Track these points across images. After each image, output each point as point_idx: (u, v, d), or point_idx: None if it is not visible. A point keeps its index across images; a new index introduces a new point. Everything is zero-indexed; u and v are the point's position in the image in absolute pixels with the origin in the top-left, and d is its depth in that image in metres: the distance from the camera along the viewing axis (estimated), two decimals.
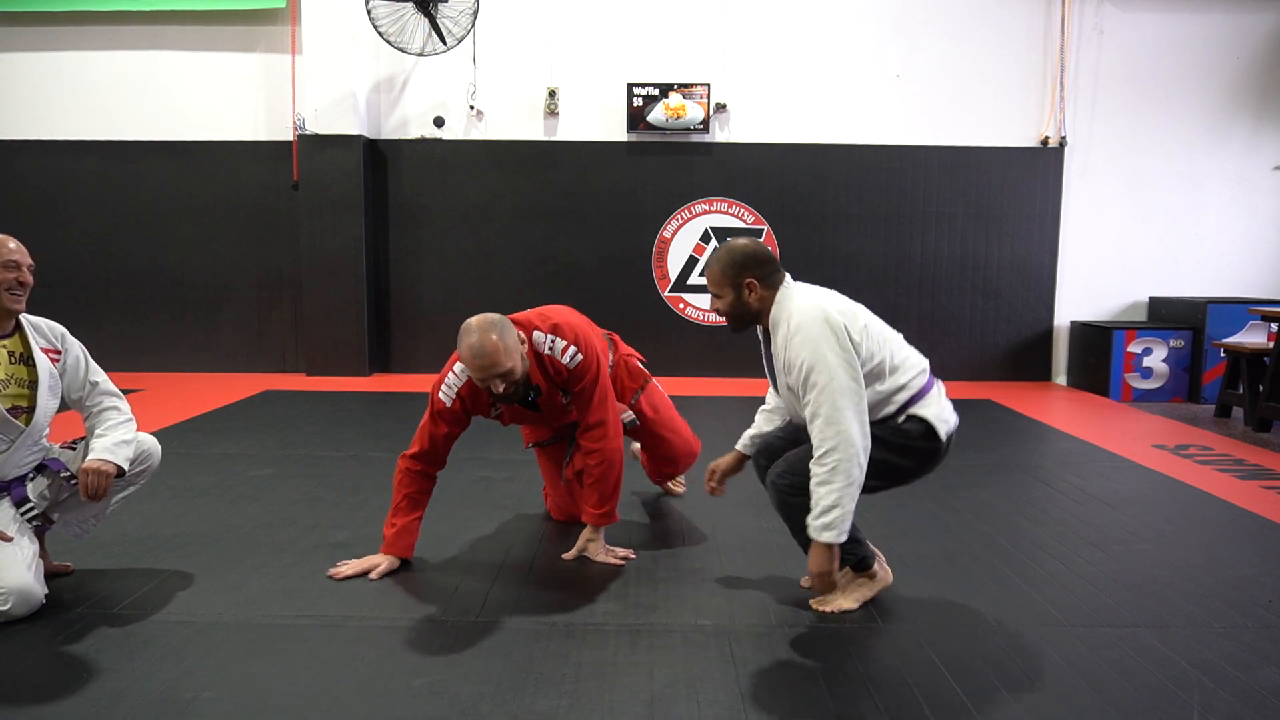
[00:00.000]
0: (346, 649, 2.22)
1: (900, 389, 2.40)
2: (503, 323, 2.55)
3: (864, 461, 2.26)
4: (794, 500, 2.39)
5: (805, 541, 2.36)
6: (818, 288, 2.47)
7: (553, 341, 2.71)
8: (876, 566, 2.55)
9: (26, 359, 2.48)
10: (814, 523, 2.26)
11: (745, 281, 2.41)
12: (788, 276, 2.47)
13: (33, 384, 2.47)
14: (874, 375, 2.35)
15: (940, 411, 2.43)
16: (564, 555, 2.88)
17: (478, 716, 1.92)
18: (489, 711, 1.94)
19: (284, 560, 2.83)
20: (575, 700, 1.99)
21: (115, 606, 2.46)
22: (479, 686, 2.04)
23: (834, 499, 2.24)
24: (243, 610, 2.45)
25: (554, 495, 3.27)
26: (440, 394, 2.72)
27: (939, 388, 2.49)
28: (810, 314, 2.30)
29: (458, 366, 2.69)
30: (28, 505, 2.50)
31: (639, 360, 3.31)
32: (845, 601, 2.49)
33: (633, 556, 2.89)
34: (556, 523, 3.26)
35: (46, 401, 2.48)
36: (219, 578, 2.68)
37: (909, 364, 2.43)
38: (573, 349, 2.72)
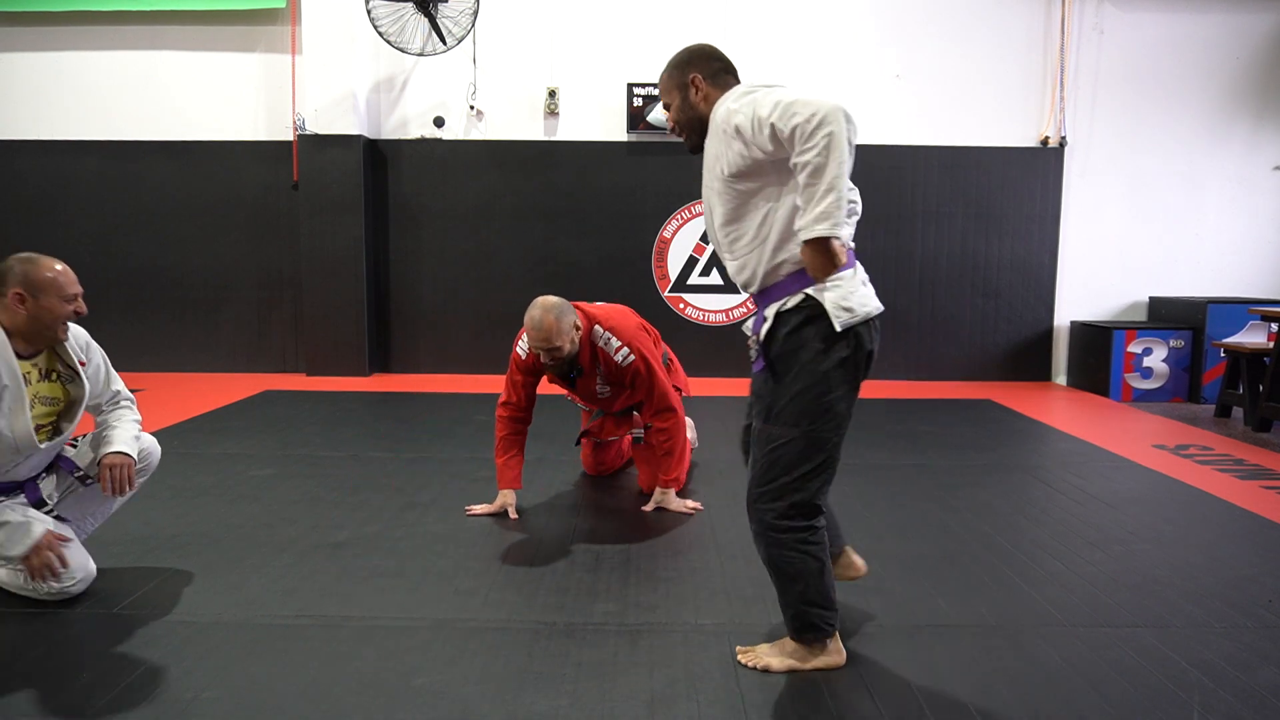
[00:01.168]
0: (346, 649, 2.22)
1: (795, 243, 1.93)
2: (563, 307, 3.09)
3: (855, 136, 1.87)
4: (783, 538, 2.02)
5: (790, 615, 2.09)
6: None
7: (609, 339, 3.23)
8: (830, 643, 2.13)
9: (49, 374, 2.49)
10: (809, 217, 1.82)
11: (690, 78, 2.12)
12: (743, 82, 2.12)
13: (54, 400, 2.49)
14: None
15: (845, 297, 1.95)
16: (644, 508, 3.39)
17: (478, 716, 1.92)
18: (489, 711, 1.94)
19: (284, 560, 2.83)
20: (575, 700, 1.99)
21: (115, 606, 2.46)
22: (479, 686, 2.04)
23: (829, 182, 1.80)
24: (243, 610, 2.45)
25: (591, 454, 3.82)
26: (517, 349, 3.32)
27: (860, 271, 2.09)
28: (757, 91, 1.97)
29: (522, 343, 3.31)
30: (45, 507, 2.53)
31: (679, 389, 3.63)
32: (772, 660, 2.13)
33: (700, 509, 3.39)
34: (555, 523, 3.27)
35: (77, 418, 2.51)
36: (219, 578, 2.68)
37: (854, 213, 2.07)
38: (625, 349, 3.23)
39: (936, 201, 6.72)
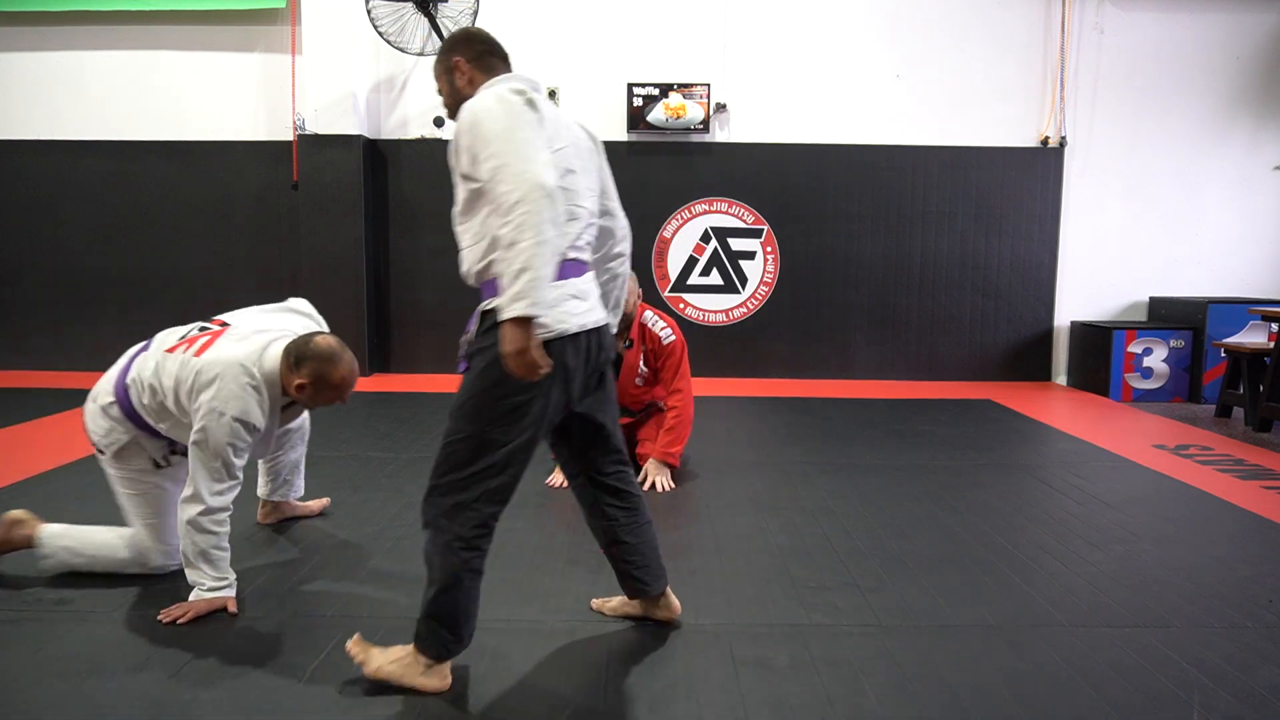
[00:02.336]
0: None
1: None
2: (633, 278, 3.48)
3: (559, 215, 1.79)
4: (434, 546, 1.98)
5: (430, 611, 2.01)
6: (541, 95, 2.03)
7: (656, 320, 3.83)
8: (441, 667, 2.04)
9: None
10: (505, 296, 1.75)
11: (453, 62, 2.08)
12: (514, 73, 2.08)
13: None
14: None
15: (557, 304, 1.89)
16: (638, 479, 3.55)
17: (478, 716, 1.92)
18: (490, 711, 1.94)
19: (284, 560, 2.83)
20: (576, 700, 1.99)
21: (115, 607, 2.46)
22: (479, 686, 2.04)
23: (523, 261, 1.73)
24: (242, 610, 2.45)
25: None
26: None
27: (578, 284, 1.99)
28: (500, 91, 1.89)
29: None
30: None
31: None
32: (375, 659, 2.05)
33: (672, 487, 3.67)
34: (554, 523, 3.26)
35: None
36: None
37: (575, 218, 1.97)
38: (668, 329, 3.82)
39: (936, 201, 6.72)
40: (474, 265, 1.97)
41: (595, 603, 2.47)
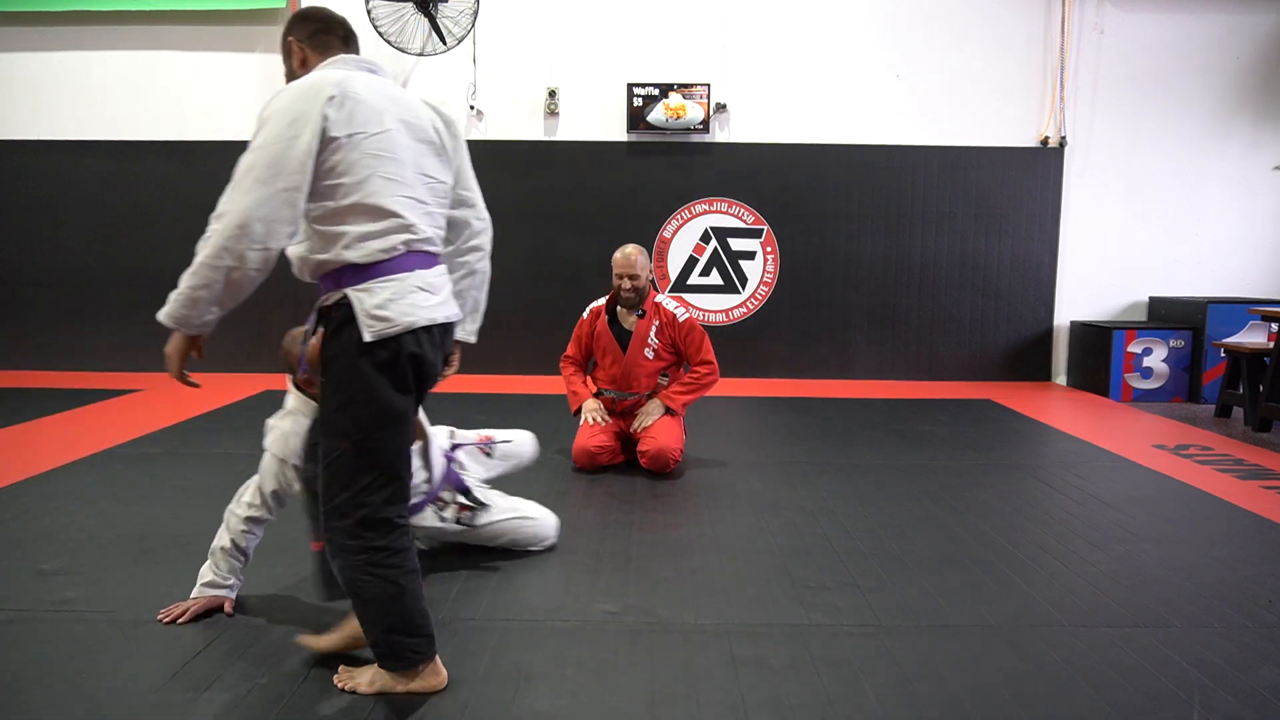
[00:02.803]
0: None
1: (341, 238, 1.83)
2: (645, 252, 4.03)
3: (250, 252, 1.74)
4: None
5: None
6: (372, 76, 1.94)
7: (671, 304, 4.07)
8: (425, 666, 1.99)
9: None
10: (170, 298, 1.81)
11: (288, 42, 2.01)
12: (346, 57, 1.98)
13: None
14: (327, 193, 1.83)
15: (383, 304, 1.82)
16: (632, 428, 3.99)
17: (478, 716, 1.92)
18: (489, 711, 1.94)
19: (284, 560, 2.83)
20: (575, 700, 1.99)
21: (115, 607, 2.46)
22: (479, 687, 2.04)
23: (186, 278, 1.78)
24: (241, 610, 2.45)
25: (583, 442, 3.98)
26: (583, 317, 4.22)
27: (427, 276, 1.92)
28: (308, 82, 1.83)
29: (597, 302, 4.21)
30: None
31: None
32: (362, 681, 2.01)
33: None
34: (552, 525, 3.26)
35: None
36: None
37: (392, 215, 1.85)
38: (681, 310, 4.05)
39: (936, 201, 6.72)
40: (304, 259, 1.91)
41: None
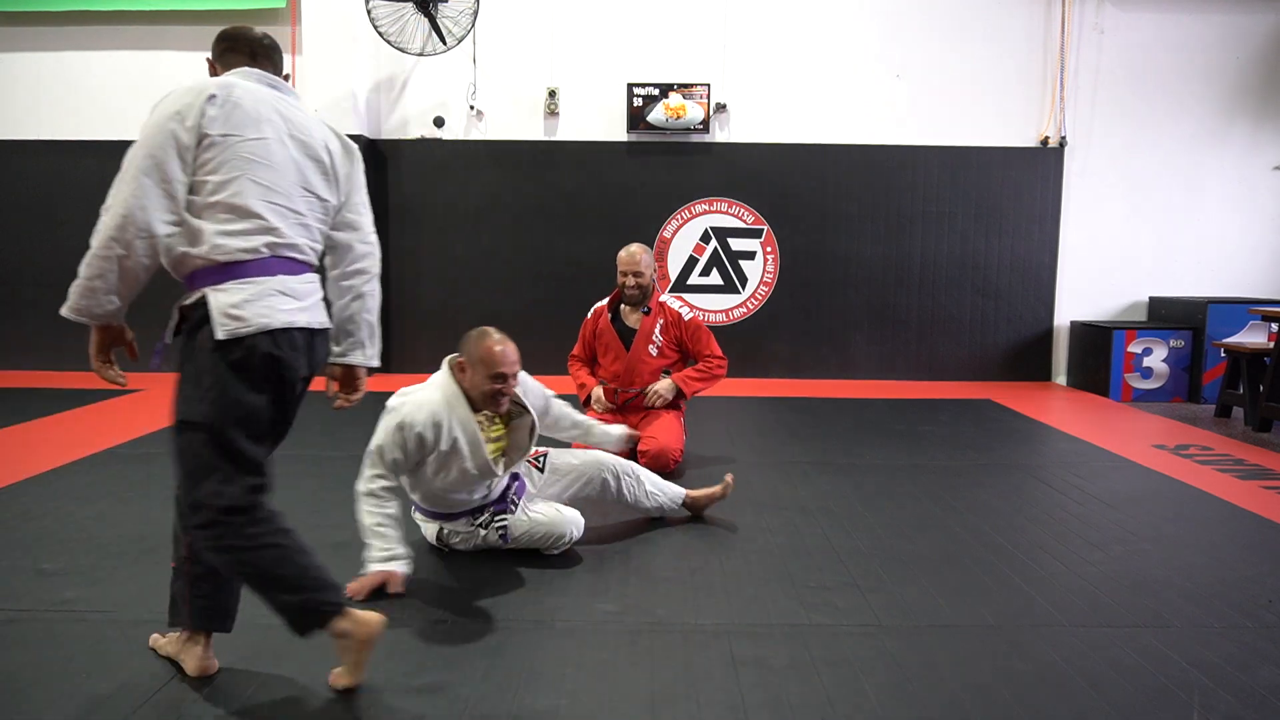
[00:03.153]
0: None
1: (201, 234, 1.88)
2: (649, 251, 4.12)
3: (138, 241, 1.86)
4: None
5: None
6: (265, 89, 2.01)
7: (676, 304, 4.13)
8: (338, 621, 1.95)
9: (495, 420, 2.78)
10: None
11: (208, 59, 2.11)
12: (255, 71, 2.05)
13: (500, 438, 2.77)
14: (196, 188, 1.90)
15: (238, 305, 1.86)
16: (645, 403, 4.09)
17: (478, 716, 1.92)
18: (489, 711, 1.94)
19: None
20: (575, 700, 1.99)
21: (115, 607, 2.46)
22: (479, 686, 2.04)
23: (81, 269, 1.88)
24: (243, 610, 2.44)
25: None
26: (589, 316, 4.25)
27: (290, 281, 1.95)
28: (196, 80, 1.95)
29: (600, 301, 4.26)
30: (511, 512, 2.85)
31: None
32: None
33: (669, 399, 4.05)
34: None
35: (528, 444, 2.82)
36: None
37: (255, 217, 1.90)
38: (687, 309, 4.13)
39: (936, 201, 6.72)
40: (169, 252, 1.93)
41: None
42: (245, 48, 2.09)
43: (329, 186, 2.07)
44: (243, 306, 1.87)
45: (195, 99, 1.88)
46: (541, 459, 3.10)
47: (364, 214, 2.18)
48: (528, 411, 2.81)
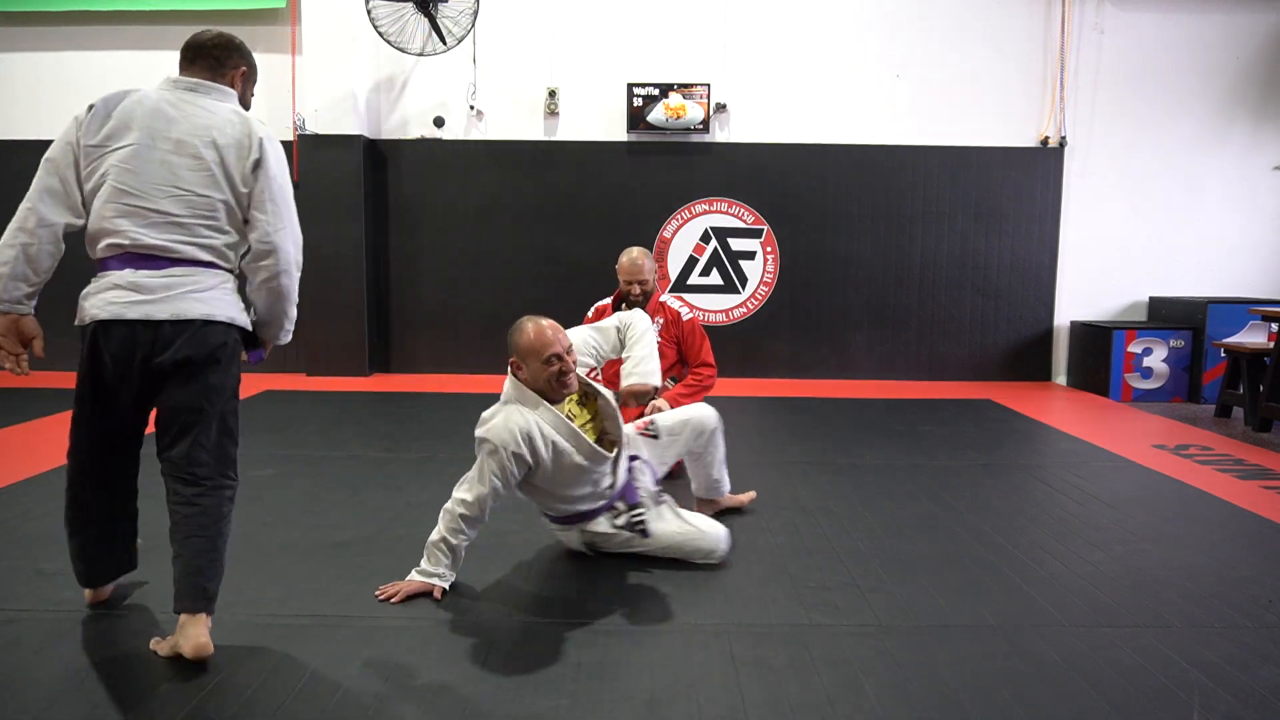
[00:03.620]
0: (347, 649, 2.22)
1: (87, 236, 2.18)
2: (650, 255, 4.10)
3: (40, 229, 2.13)
4: None
5: None
6: (160, 92, 2.28)
7: (676, 303, 4.10)
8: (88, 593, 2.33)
9: (582, 399, 2.76)
10: None
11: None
12: (176, 77, 2.32)
13: (588, 419, 2.73)
14: (89, 194, 2.19)
15: (84, 296, 2.16)
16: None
17: (478, 716, 1.92)
18: (489, 711, 1.94)
19: (284, 560, 2.83)
20: (575, 700, 1.99)
21: (114, 606, 2.46)
22: (479, 686, 2.04)
23: None
24: (243, 610, 2.45)
25: None
26: (588, 316, 4.16)
27: (133, 276, 2.12)
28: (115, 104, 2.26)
29: (601, 301, 4.23)
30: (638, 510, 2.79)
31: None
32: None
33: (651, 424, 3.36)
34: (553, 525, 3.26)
35: (618, 417, 2.78)
36: None
37: (107, 219, 2.12)
38: (685, 310, 4.08)
39: (936, 201, 6.72)
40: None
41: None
42: (183, 55, 2.36)
43: (213, 184, 2.17)
44: (86, 299, 2.15)
45: (84, 111, 2.22)
46: (652, 426, 3.07)
47: (265, 212, 2.21)
48: (599, 393, 2.79)
